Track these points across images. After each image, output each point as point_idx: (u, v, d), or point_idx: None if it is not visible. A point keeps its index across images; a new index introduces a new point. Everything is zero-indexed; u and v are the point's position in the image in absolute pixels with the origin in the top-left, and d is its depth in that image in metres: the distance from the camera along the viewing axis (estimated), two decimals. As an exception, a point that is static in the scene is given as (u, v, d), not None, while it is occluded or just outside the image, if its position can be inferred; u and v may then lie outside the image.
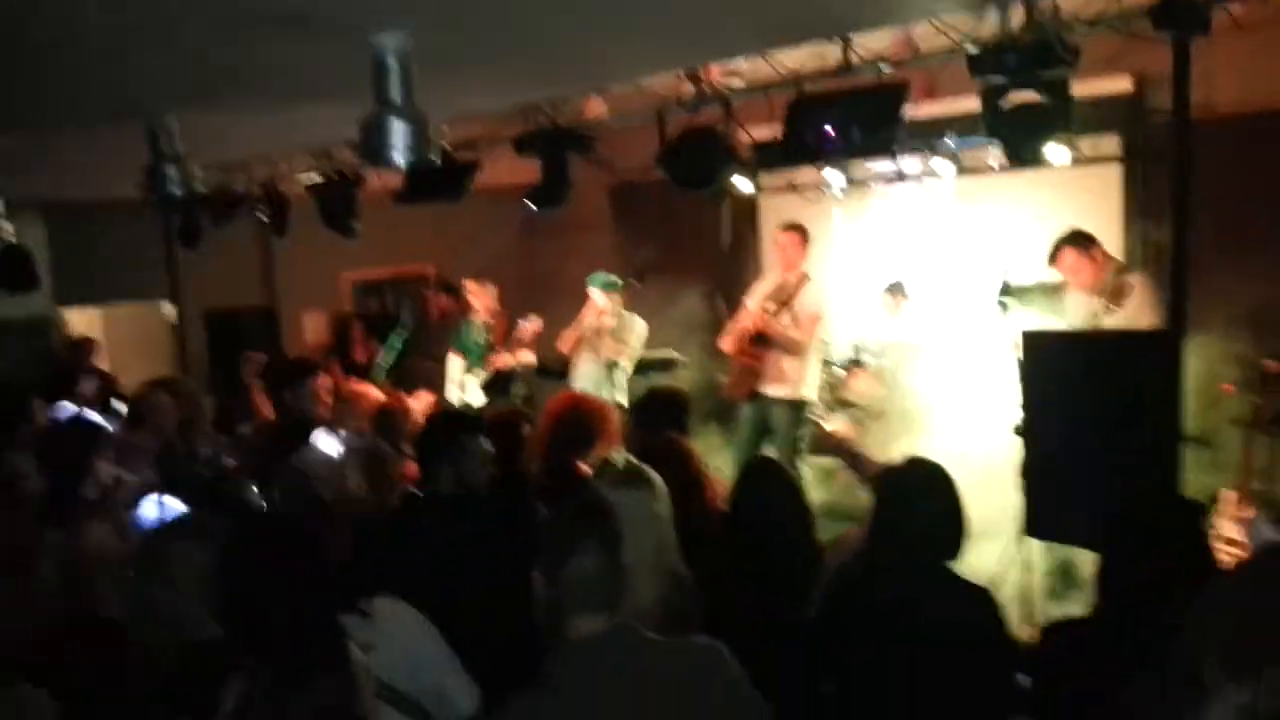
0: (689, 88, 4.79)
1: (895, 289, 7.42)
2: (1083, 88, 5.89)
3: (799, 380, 6.50)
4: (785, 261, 6.65)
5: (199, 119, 4.49)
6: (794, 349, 6.41)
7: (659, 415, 4.32)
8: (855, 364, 7.35)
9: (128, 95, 3.93)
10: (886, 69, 4.37)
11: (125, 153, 4.67)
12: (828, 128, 4.40)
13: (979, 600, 2.87)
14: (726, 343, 6.66)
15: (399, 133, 3.25)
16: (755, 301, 6.65)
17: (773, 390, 6.48)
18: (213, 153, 4.76)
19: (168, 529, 2.93)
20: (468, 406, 7.23)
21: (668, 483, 3.45)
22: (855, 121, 4.33)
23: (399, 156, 3.29)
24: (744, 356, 6.55)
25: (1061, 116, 3.95)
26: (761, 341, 6.43)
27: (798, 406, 6.49)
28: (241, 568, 2.29)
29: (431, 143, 3.34)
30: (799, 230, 6.68)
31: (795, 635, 3.07)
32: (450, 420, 3.93)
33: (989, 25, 3.99)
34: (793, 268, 6.63)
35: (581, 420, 4.02)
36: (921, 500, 2.95)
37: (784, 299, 6.51)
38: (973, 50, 3.99)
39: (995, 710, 2.80)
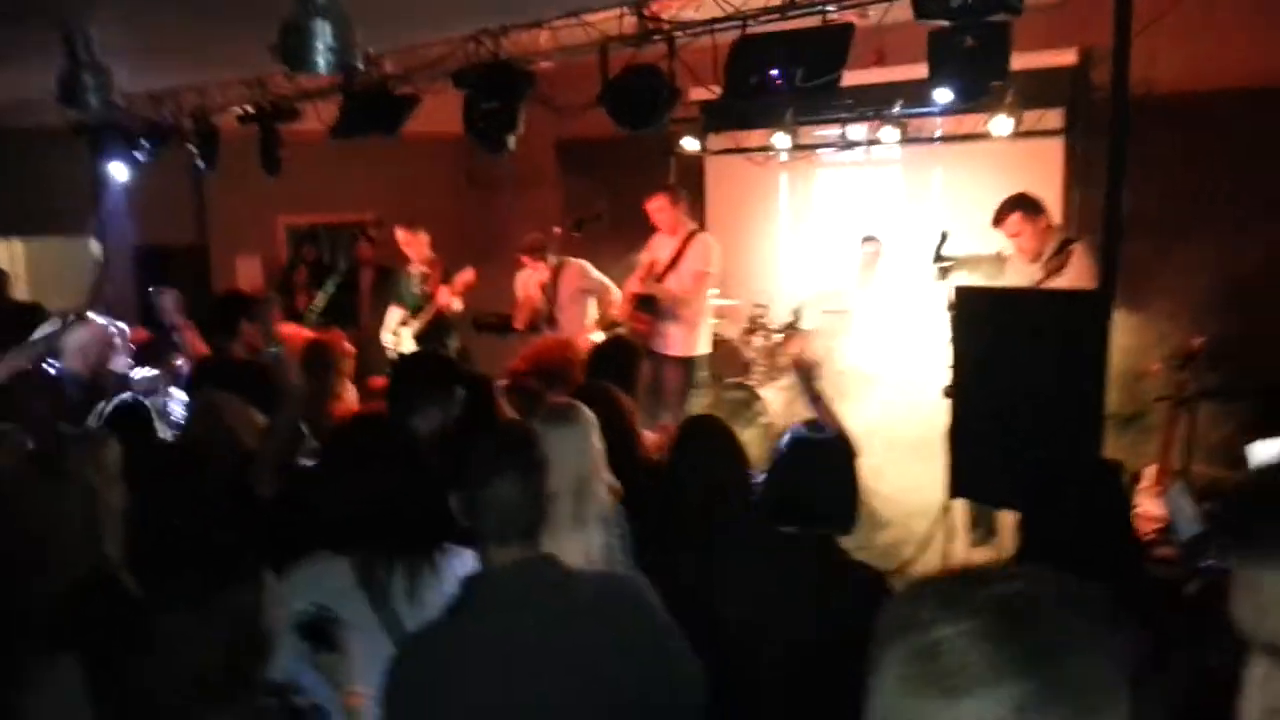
0: (632, 23, 4.69)
1: (871, 240, 7.39)
2: (1028, 60, 5.95)
3: (688, 338, 6.67)
4: (664, 226, 6.75)
5: (118, 37, 4.32)
6: (678, 307, 6.56)
7: (604, 364, 4.26)
8: (791, 328, 7.34)
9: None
10: (832, 10, 4.30)
11: (45, 79, 4.48)
12: (772, 69, 4.34)
13: (861, 589, 2.69)
14: (619, 309, 6.75)
15: (321, 34, 3.13)
16: (641, 266, 6.76)
17: (663, 349, 6.60)
18: (137, 81, 4.54)
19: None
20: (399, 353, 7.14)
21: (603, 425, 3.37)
22: (800, 63, 4.28)
23: (321, 60, 3.17)
24: (634, 321, 6.68)
25: (1000, 64, 3.92)
26: (647, 305, 6.53)
27: (687, 363, 6.64)
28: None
29: (356, 49, 3.22)
30: (667, 193, 6.79)
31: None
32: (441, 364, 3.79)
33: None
34: (674, 230, 6.74)
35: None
36: (818, 467, 2.84)
37: (666, 264, 6.65)
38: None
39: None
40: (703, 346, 6.80)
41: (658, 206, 6.71)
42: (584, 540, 2.85)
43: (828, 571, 2.71)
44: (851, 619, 1.71)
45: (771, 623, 2.65)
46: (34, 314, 6.73)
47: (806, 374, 3.77)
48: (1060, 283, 5.35)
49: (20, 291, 7.92)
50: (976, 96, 4.08)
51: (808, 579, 2.68)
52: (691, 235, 6.71)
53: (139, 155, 7.04)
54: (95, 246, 8.33)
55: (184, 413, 4.75)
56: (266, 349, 3.48)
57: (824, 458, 2.86)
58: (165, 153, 7.37)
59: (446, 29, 5.08)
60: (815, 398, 3.69)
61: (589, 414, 3.01)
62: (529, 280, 7.01)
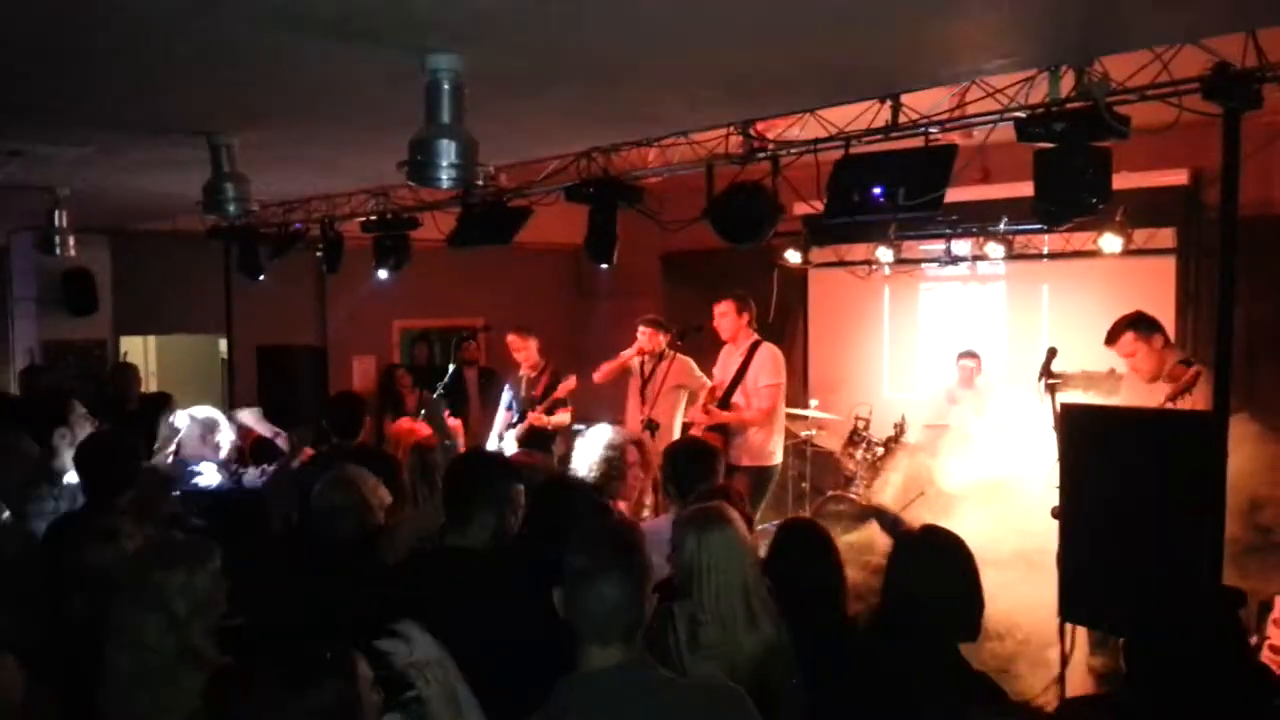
0: (738, 142, 4.85)
1: (970, 355, 7.33)
2: (1138, 180, 5.93)
3: (761, 449, 6.51)
4: (726, 332, 6.65)
5: (258, 149, 4.67)
6: (751, 424, 6.45)
7: (692, 466, 4.29)
8: (894, 440, 7.27)
9: (190, 109, 4.09)
10: (935, 132, 4.38)
11: (190, 185, 4.86)
12: (874, 188, 4.41)
13: (980, 692, 2.72)
14: (694, 430, 6.67)
15: (446, 153, 3.32)
16: (706, 391, 6.70)
17: (736, 460, 6.44)
18: (272, 188, 4.89)
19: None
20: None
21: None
22: (902, 182, 4.34)
23: (445, 177, 3.36)
24: (710, 436, 6.49)
25: (1103, 185, 3.92)
26: (718, 429, 6.45)
27: (758, 473, 6.47)
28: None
29: (479, 168, 3.41)
30: (734, 299, 6.63)
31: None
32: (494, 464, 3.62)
33: (1039, 90, 4.01)
34: (736, 340, 6.63)
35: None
36: (933, 571, 2.86)
37: (730, 380, 6.57)
38: (1020, 115, 4.00)
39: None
40: (776, 457, 6.64)
41: (722, 311, 6.59)
42: (761, 636, 2.87)
43: (952, 679, 2.69)
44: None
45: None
46: (162, 403, 7.13)
47: (883, 517, 3.79)
48: (1188, 403, 5.20)
49: (148, 385, 8.40)
50: (1077, 215, 4.05)
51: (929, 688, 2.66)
52: (755, 346, 6.58)
53: (268, 259, 7.45)
54: (221, 343, 8.80)
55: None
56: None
57: (947, 558, 2.87)
58: (292, 258, 7.83)
59: (561, 147, 5.33)
60: (895, 523, 3.71)
61: (734, 513, 3.04)
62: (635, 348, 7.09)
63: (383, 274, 6.95)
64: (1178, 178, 6.89)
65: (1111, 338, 5.59)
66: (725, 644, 2.76)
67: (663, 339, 6.93)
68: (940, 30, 3.25)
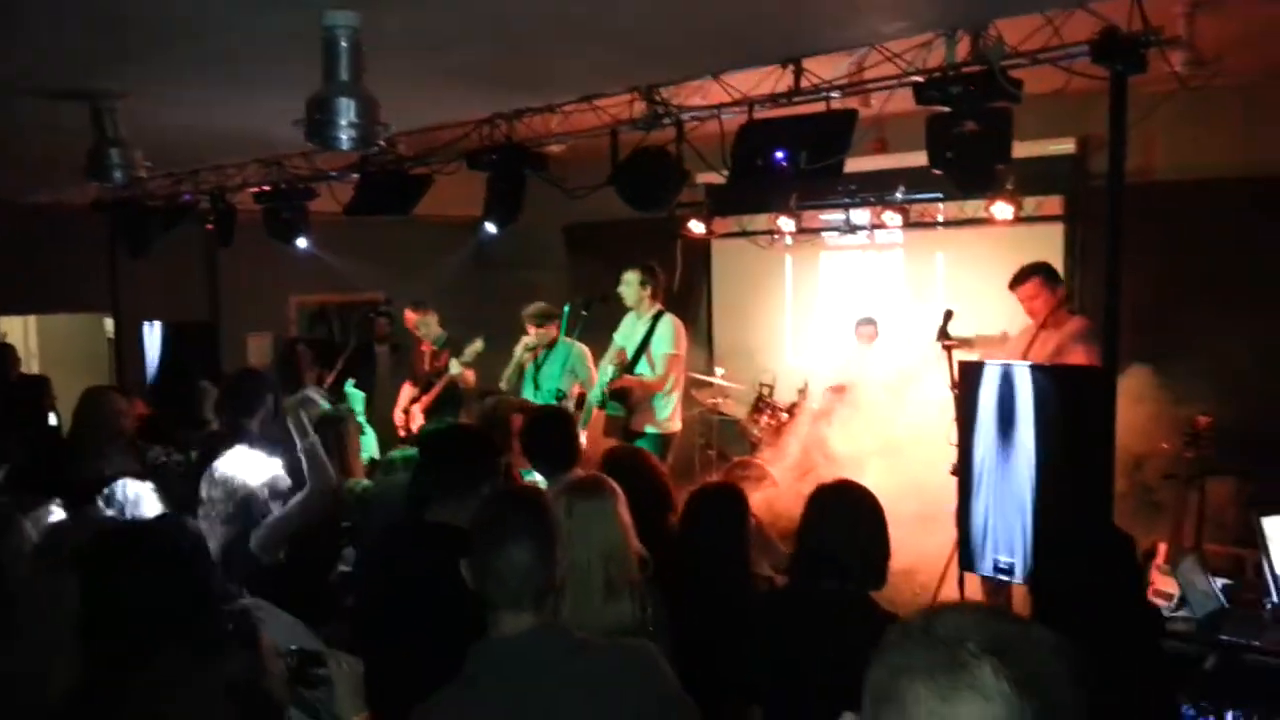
0: (642, 108, 4.83)
1: (868, 321, 7.50)
2: (1028, 149, 6.12)
3: (660, 420, 6.66)
4: (632, 301, 6.78)
5: (145, 114, 4.47)
6: (651, 390, 6.59)
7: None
8: (797, 408, 7.39)
9: (71, 73, 3.89)
10: (836, 97, 4.44)
11: (70, 155, 4.64)
12: (778, 152, 4.46)
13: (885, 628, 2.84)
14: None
15: (345, 111, 3.24)
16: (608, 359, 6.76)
17: (639, 429, 6.61)
18: (160, 155, 4.68)
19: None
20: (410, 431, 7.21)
21: (632, 495, 3.34)
22: (805, 146, 4.39)
23: (344, 136, 3.28)
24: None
25: (1003, 147, 4.03)
26: (622, 397, 6.57)
27: (660, 441, 6.60)
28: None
29: (379, 127, 3.33)
30: (639, 270, 6.77)
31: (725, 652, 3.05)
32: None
33: (936, 56, 4.09)
34: (640, 306, 6.77)
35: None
36: (844, 522, 2.94)
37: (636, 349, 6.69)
38: (918, 79, 4.08)
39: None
40: (675, 424, 6.79)
41: (630, 279, 6.73)
42: (616, 610, 2.85)
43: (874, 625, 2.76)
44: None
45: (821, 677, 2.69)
46: (41, 387, 6.83)
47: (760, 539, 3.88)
48: (1055, 338, 5.51)
49: (30, 367, 8.03)
50: (981, 185, 4.16)
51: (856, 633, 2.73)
52: (658, 317, 6.72)
53: (155, 233, 7.16)
54: (108, 322, 8.44)
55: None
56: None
57: (856, 509, 2.95)
58: (181, 231, 7.54)
59: (463, 113, 5.23)
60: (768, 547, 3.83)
61: (615, 486, 3.04)
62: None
63: (295, 244, 6.71)
64: (1065, 146, 7.11)
65: (1018, 280, 5.77)
66: (579, 615, 2.70)
67: (554, 330, 6.94)
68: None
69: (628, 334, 6.82)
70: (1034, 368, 4.44)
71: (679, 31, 3.66)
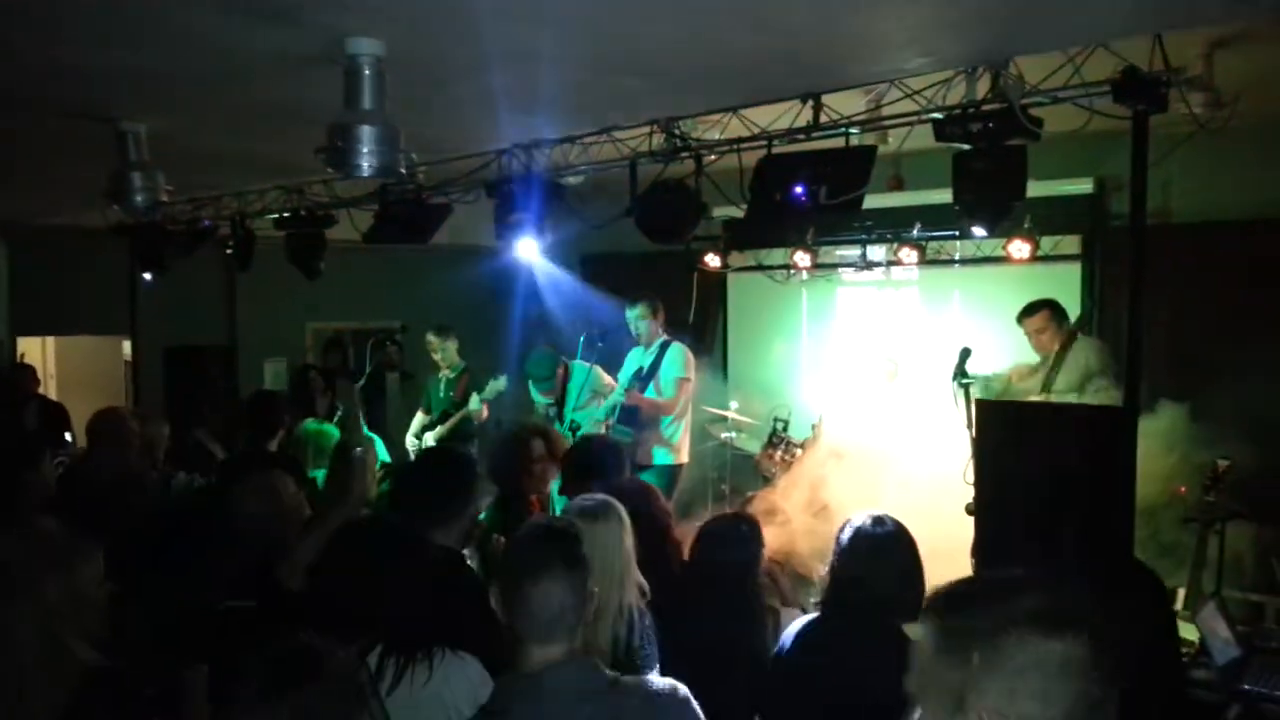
0: (661, 141, 4.85)
1: (891, 360, 7.50)
2: (1046, 188, 6.14)
3: (667, 450, 6.65)
4: (641, 335, 6.79)
5: (168, 139, 4.51)
6: (661, 412, 6.58)
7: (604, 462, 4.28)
8: (812, 443, 7.34)
9: (94, 94, 3.93)
10: (855, 133, 4.45)
11: (93, 180, 4.69)
12: (796, 186, 4.46)
13: None
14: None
15: (367, 139, 3.26)
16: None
17: (645, 460, 6.58)
18: (182, 180, 4.72)
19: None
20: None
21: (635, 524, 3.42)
22: (823, 181, 4.39)
23: (365, 164, 3.29)
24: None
25: (1017, 184, 4.02)
26: (628, 416, 6.53)
27: (667, 472, 6.61)
28: None
29: (400, 155, 3.35)
30: (644, 302, 6.80)
31: (750, 686, 3.04)
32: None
33: (955, 94, 4.10)
34: (651, 338, 6.78)
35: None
36: (880, 556, 2.93)
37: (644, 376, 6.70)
38: (938, 116, 4.08)
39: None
40: (683, 455, 6.76)
41: (637, 315, 6.74)
42: (600, 632, 2.84)
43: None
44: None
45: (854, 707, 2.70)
46: (60, 413, 6.86)
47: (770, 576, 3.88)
48: (1064, 372, 5.60)
49: (47, 388, 8.07)
50: (997, 217, 4.15)
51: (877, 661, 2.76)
52: (666, 345, 6.73)
53: (175, 257, 7.21)
54: (125, 346, 8.46)
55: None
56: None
57: (891, 543, 2.95)
58: (200, 256, 7.59)
59: (482, 143, 5.27)
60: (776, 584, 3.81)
61: (623, 512, 3.02)
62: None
63: (303, 273, 6.78)
64: (1083, 186, 7.11)
65: (1029, 312, 6.02)
66: None
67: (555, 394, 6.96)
68: (863, 25, 3.30)
69: (632, 368, 6.84)
70: (1054, 406, 4.40)
71: (701, 64, 3.68)
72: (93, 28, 3.21)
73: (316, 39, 3.16)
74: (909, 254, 7.40)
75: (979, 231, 4.20)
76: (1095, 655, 1.26)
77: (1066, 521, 4.14)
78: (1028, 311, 5.98)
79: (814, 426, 7.47)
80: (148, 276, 7.36)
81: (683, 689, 2.23)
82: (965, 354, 5.55)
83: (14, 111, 4.24)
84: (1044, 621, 1.24)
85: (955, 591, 1.39)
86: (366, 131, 3.25)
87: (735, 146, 4.68)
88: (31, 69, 3.70)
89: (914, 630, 1.37)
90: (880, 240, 7.59)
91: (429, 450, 4.93)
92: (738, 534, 3.56)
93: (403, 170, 3.36)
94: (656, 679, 2.30)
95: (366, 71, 3.24)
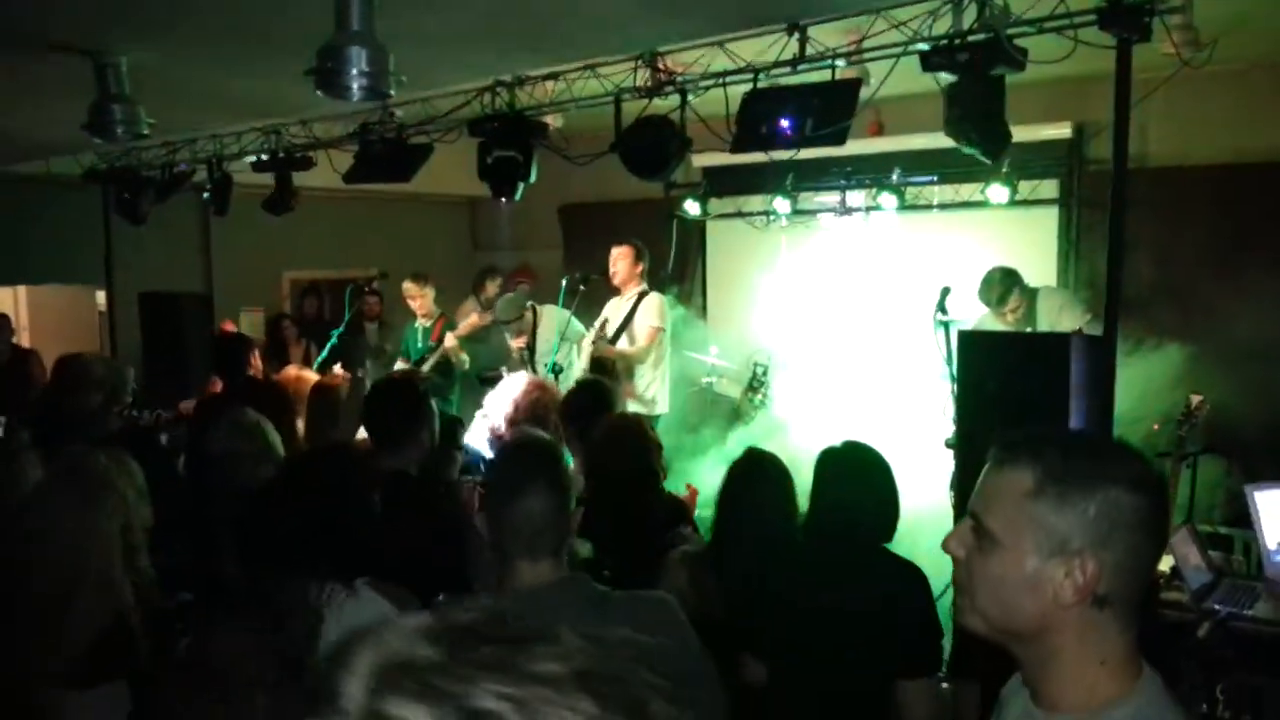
0: (645, 76, 4.84)
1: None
2: (1025, 133, 6.18)
3: (646, 400, 6.59)
4: (620, 277, 6.70)
5: (146, 74, 4.43)
6: (629, 362, 6.52)
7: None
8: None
9: (76, 21, 3.85)
10: (841, 65, 4.45)
11: (68, 121, 4.61)
12: (782, 119, 4.47)
13: (909, 574, 2.93)
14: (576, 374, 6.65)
15: (357, 60, 3.23)
16: (593, 329, 6.70)
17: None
18: (161, 118, 4.63)
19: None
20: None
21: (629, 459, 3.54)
22: (810, 114, 4.41)
23: (355, 85, 3.27)
24: None
25: (998, 113, 4.05)
26: (601, 368, 6.39)
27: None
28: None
29: (390, 76, 3.32)
30: (632, 246, 6.72)
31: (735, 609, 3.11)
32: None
33: (940, 27, 4.11)
34: (627, 286, 6.71)
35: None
36: (859, 480, 3.02)
37: (619, 324, 6.65)
38: (924, 47, 4.10)
39: (919, 669, 2.84)
40: (661, 405, 6.69)
41: (620, 254, 6.64)
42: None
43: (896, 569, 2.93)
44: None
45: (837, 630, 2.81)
46: (28, 361, 6.78)
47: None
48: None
49: (20, 339, 7.97)
50: (999, 146, 4.16)
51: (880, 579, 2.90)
52: (643, 295, 6.66)
53: (150, 202, 7.12)
54: (99, 295, 8.37)
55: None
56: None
57: (867, 469, 3.02)
58: (175, 205, 7.50)
59: (463, 78, 5.22)
60: None
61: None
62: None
63: (288, 216, 6.72)
64: (1061, 131, 7.16)
65: (1002, 299, 6.03)
66: None
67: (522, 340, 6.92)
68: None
69: (610, 316, 6.80)
70: (1035, 336, 4.46)
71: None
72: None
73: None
74: (888, 199, 7.43)
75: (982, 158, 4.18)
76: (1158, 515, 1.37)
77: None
78: (1001, 300, 6.03)
79: (758, 366, 7.52)
80: (123, 222, 7.27)
81: (671, 599, 2.26)
82: (945, 292, 5.60)
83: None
84: (1138, 481, 1.31)
85: (1060, 441, 1.41)
86: (356, 53, 3.22)
87: (721, 81, 4.68)
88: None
89: (1004, 467, 1.37)
90: (859, 186, 7.62)
91: (377, 381, 4.99)
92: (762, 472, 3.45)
93: (392, 93, 3.32)
94: (644, 591, 2.34)
95: (357, -9, 3.20)
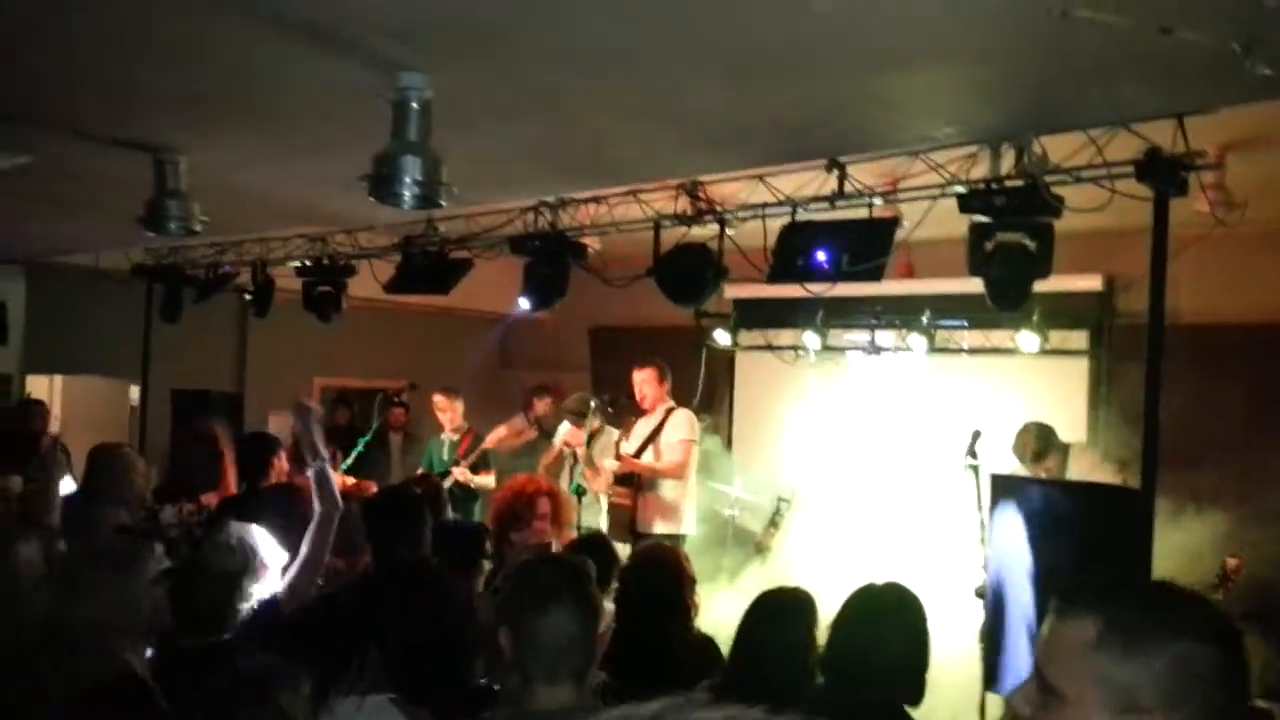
0: (686, 204, 4.96)
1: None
2: (1055, 284, 6.24)
3: (673, 513, 6.51)
4: (646, 398, 6.68)
5: (203, 172, 4.60)
6: (667, 475, 6.46)
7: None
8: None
9: (139, 119, 4.01)
10: (878, 204, 4.54)
11: (124, 213, 4.78)
12: (819, 252, 4.54)
13: None
14: (597, 484, 6.62)
15: (411, 169, 3.33)
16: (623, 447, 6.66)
17: (647, 528, 6.38)
18: (212, 217, 4.78)
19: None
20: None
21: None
22: (847, 249, 4.47)
23: (408, 194, 3.36)
24: (617, 498, 6.54)
25: (1044, 261, 4.10)
26: (627, 481, 6.41)
27: (671, 541, 6.30)
28: None
29: (443, 187, 3.41)
30: (655, 367, 6.72)
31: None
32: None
33: (977, 171, 4.20)
34: (654, 407, 6.69)
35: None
36: (888, 623, 2.80)
37: (644, 440, 6.60)
38: (961, 190, 4.18)
39: None
40: (687, 524, 6.60)
41: (644, 378, 6.61)
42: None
43: None
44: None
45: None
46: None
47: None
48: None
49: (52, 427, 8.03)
50: (1016, 299, 4.20)
51: None
52: (670, 410, 6.65)
53: (191, 300, 7.28)
54: (133, 390, 8.48)
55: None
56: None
57: (894, 611, 2.80)
58: (215, 307, 7.66)
59: (509, 196, 5.36)
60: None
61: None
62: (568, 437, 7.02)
63: (330, 321, 6.84)
64: (1092, 283, 7.21)
65: (1039, 456, 6.02)
66: None
67: (583, 434, 6.90)
68: (899, 85, 3.39)
69: (636, 437, 6.76)
70: (1070, 483, 4.40)
71: (733, 113, 3.76)
72: (151, 50, 3.30)
73: (368, 71, 3.24)
74: (918, 340, 7.46)
75: (1010, 303, 4.21)
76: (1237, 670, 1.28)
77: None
78: (1039, 455, 6.02)
79: (782, 501, 7.41)
80: (168, 321, 7.42)
81: None
82: (976, 436, 5.56)
83: (57, 137, 4.32)
84: (1211, 632, 1.25)
85: (1123, 589, 1.36)
86: (410, 162, 3.32)
87: (759, 213, 4.78)
88: (80, 92, 3.80)
89: (1065, 618, 1.30)
90: (889, 326, 7.67)
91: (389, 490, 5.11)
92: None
93: (443, 203, 3.41)
94: None
95: (414, 105, 3.32)
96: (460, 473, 7.17)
